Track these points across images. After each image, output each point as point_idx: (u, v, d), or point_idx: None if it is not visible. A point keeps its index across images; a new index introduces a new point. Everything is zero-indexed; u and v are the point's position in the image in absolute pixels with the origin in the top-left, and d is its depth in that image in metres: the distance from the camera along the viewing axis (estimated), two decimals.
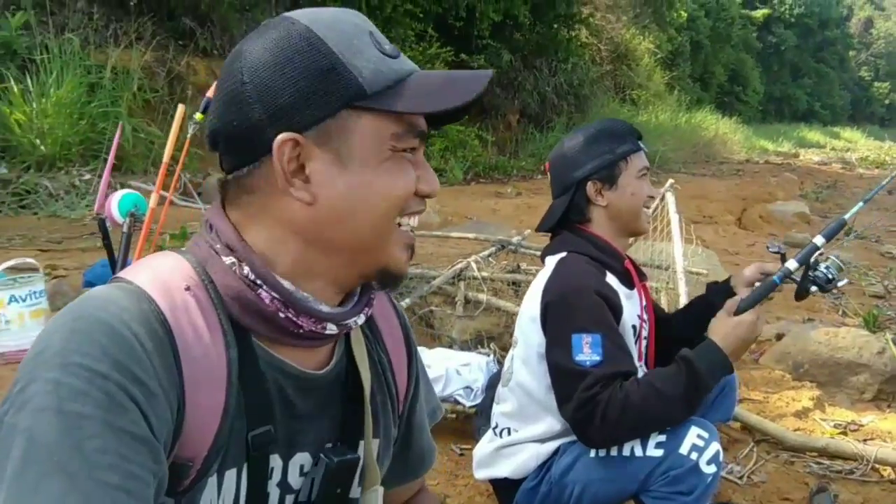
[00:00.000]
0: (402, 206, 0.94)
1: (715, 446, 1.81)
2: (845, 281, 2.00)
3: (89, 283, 3.48)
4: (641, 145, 2.10)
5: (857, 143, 35.39)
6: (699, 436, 1.81)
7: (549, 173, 2.15)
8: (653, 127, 16.37)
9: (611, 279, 1.98)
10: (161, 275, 0.89)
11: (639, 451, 1.85)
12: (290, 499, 1.01)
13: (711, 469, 1.80)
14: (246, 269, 0.90)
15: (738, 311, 1.88)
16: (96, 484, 0.71)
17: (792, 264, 1.94)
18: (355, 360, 1.05)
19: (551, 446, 2.02)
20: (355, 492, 1.06)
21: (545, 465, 2.02)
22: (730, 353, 1.82)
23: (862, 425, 3.28)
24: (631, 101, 19.03)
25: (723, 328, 1.86)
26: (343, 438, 1.04)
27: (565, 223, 2.10)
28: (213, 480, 0.89)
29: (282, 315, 0.90)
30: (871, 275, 6.28)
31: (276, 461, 0.97)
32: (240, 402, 0.90)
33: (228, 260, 0.91)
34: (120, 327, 0.79)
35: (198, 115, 2.55)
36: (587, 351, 1.81)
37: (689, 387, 1.77)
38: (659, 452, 1.82)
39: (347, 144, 0.89)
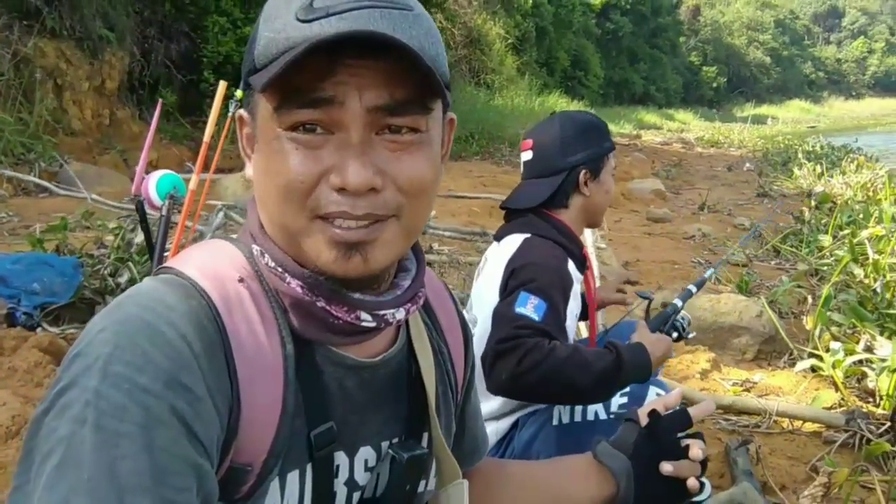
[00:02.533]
0: (302, 200, 0.80)
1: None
2: (693, 334, 2.27)
3: None
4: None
5: (691, 124, 37.63)
6: (657, 394, 1.92)
7: (530, 151, 2.14)
8: (509, 110, 16.79)
9: (571, 266, 2.04)
10: (213, 265, 0.85)
11: (602, 415, 1.94)
12: (356, 496, 0.96)
13: None
14: (267, 258, 0.86)
15: None
16: None
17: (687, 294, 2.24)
18: (415, 349, 1.01)
19: (508, 421, 2.06)
20: (424, 487, 1.03)
21: (505, 440, 2.06)
22: (652, 358, 1.87)
23: (755, 383, 3.56)
24: (486, 85, 19.42)
25: (649, 338, 1.92)
26: (407, 432, 1.00)
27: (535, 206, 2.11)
28: (274, 484, 0.85)
29: (319, 304, 0.84)
30: (729, 244, 6.74)
31: (341, 458, 0.92)
32: (298, 400, 0.86)
33: (256, 249, 0.88)
34: (166, 330, 0.75)
35: (238, 93, 2.43)
36: (529, 308, 1.82)
37: (611, 370, 1.79)
38: (622, 413, 1.92)
39: (255, 121, 0.84)
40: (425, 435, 1.02)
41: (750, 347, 4.17)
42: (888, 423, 2.84)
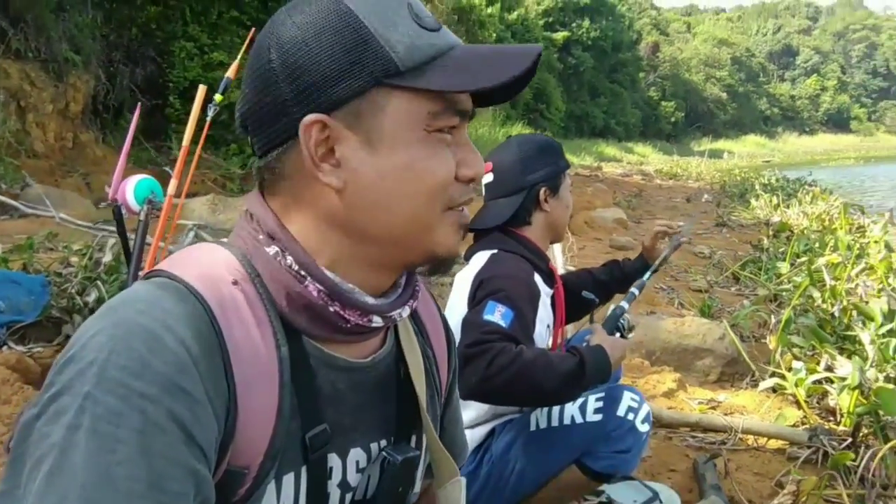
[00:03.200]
0: (444, 195, 0.87)
1: (646, 407, 2.01)
2: (633, 335, 2.35)
3: None
4: None
5: (649, 157, 38.31)
6: (632, 399, 2.00)
7: (490, 174, 2.21)
8: (475, 140, 16.94)
9: (538, 278, 2.12)
10: (206, 268, 0.84)
11: (579, 419, 1.99)
12: (349, 497, 0.96)
13: (645, 427, 1.98)
14: (290, 259, 0.85)
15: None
16: None
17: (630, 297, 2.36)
18: (404, 351, 1.01)
19: (483, 430, 2.11)
20: (412, 489, 1.03)
21: (481, 449, 2.10)
22: (611, 360, 1.94)
23: (720, 402, 3.63)
24: None
25: (607, 341, 1.99)
26: (397, 434, 1.00)
27: (500, 224, 2.19)
28: (271, 487, 0.85)
29: (331, 309, 0.85)
30: (691, 272, 6.87)
31: (334, 460, 0.92)
32: (293, 403, 0.85)
33: (272, 250, 0.86)
34: (163, 334, 0.74)
35: (217, 97, 2.44)
36: (497, 316, 1.88)
37: (574, 373, 1.85)
38: (598, 417, 1.97)
39: (378, 126, 0.83)
40: (413, 437, 1.03)
41: (713, 369, 4.25)
42: (849, 440, 2.92)
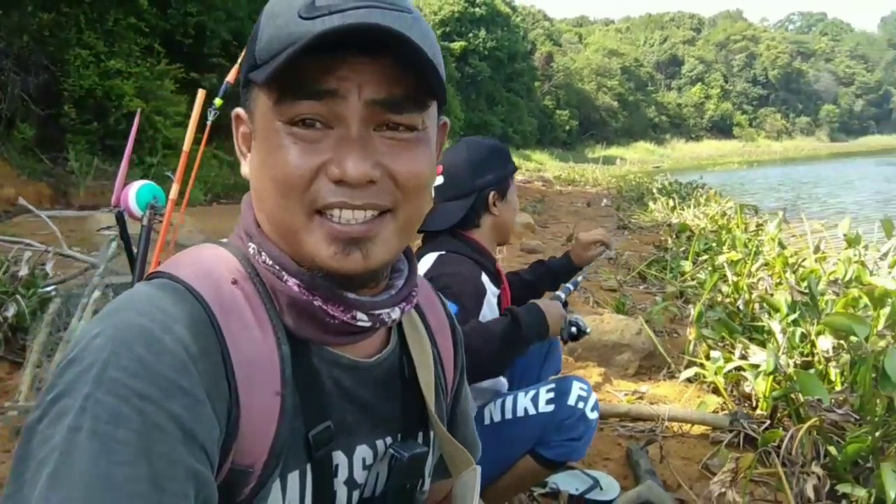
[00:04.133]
0: (298, 194, 0.81)
1: (594, 396, 2.10)
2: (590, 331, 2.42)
3: None
4: None
5: (547, 165, 39.15)
6: (581, 388, 2.09)
7: (441, 176, 2.25)
8: None
9: (485, 278, 2.18)
10: (206, 268, 0.85)
11: (532, 410, 2.07)
12: (356, 495, 0.96)
13: (595, 415, 2.08)
14: (264, 256, 0.87)
15: None
16: None
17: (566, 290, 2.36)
18: (410, 349, 1.02)
19: None
20: (421, 485, 1.03)
21: None
22: (548, 315, 2.05)
23: (644, 393, 3.79)
24: None
25: (542, 301, 2.11)
26: (404, 431, 1.00)
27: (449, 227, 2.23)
28: (276, 485, 0.85)
29: (315, 304, 0.85)
30: (601, 272, 7.10)
31: (339, 458, 0.92)
32: (296, 401, 0.85)
33: (251, 248, 0.88)
34: (162, 335, 0.74)
35: (217, 101, 2.44)
36: None
37: (510, 328, 1.94)
38: (550, 407, 2.06)
39: (252, 118, 0.85)
40: (420, 434, 1.03)
41: (632, 363, 4.42)
42: (768, 422, 3.12)
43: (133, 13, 11.36)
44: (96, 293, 3.06)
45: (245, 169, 0.90)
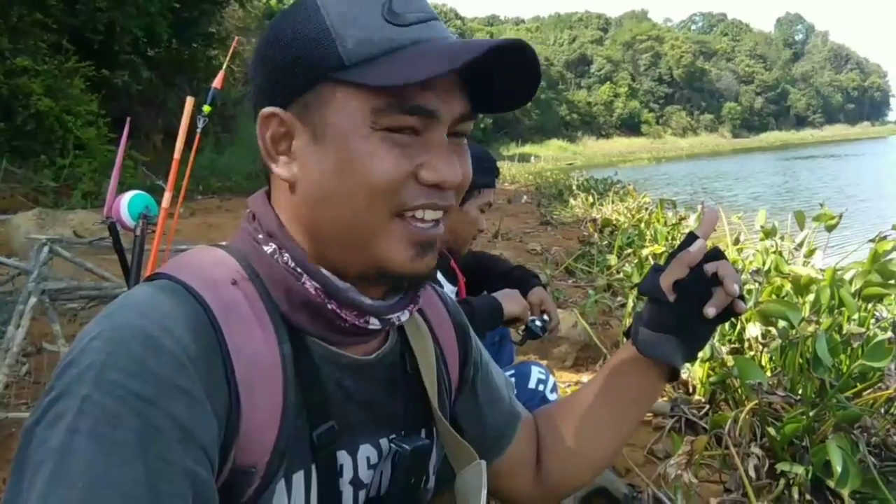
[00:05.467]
0: (388, 197, 0.82)
1: (552, 378, 2.17)
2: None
3: None
4: (496, 183, 2.38)
5: None
6: (540, 372, 2.15)
7: None
8: None
9: (440, 276, 2.23)
10: (205, 269, 0.85)
11: None
12: (362, 495, 0.95)
13: (554, 397, 2.14)
14: (286, 257, 0.86)
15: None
16: None
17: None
18: (411, 345, 1.02)
19: None
20: (426, 482, 1.02)
21: None
22: (503, 305, 2.16)
23: (585, 383, 3.88)
24: None
25: (500, 293, 2.23)
26: (406, 428, 1.00)
27: None
28: (280, 486, 0.84)
29: (329, 307, 0.86)
30: (531, 267, 7.24)
31: (343, 457, 0.92)
32: (299, 400, 0.85)
33: (269, 248, 0.87)
34: (160, 335, 0.74)
35: (205, 108, 2.37)
36: None
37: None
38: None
39: (322, 120, 0.82)
40: (423, 430, 1.03)
41: (569, 354, 4.51)
42: (707, 406, 3.25)
43: (39, 9, 10.88)
44: (32, 300, 2.95)
45: (283, 171, 0.86)
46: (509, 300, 2.21)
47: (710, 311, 1.06)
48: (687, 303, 1.08)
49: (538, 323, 2.33)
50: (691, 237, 1.11)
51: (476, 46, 0.77)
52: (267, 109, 0.85)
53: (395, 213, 0.83)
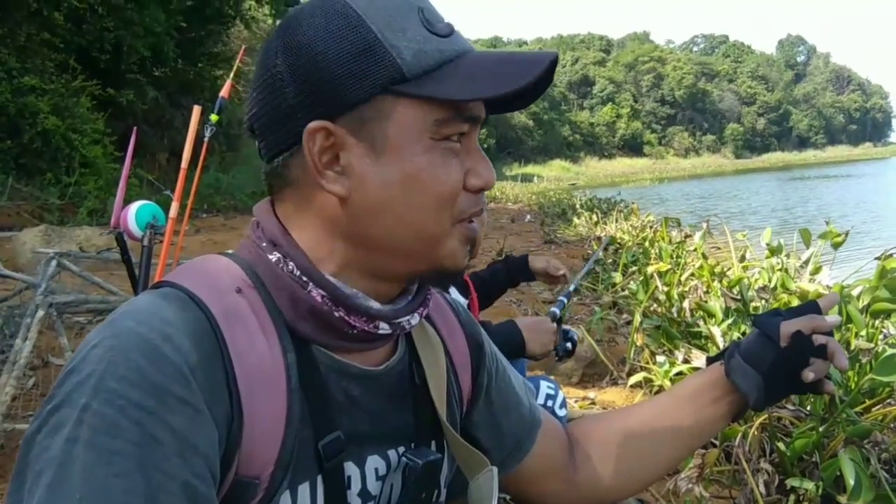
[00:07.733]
0: (452, 206, 0.85)
1: (562, 394, 2.15)
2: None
3: None
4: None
5: None
6: (549, 387, 2.13)
7: None
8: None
9: (452, 289, 2.22)
10: (210, 277, 0.84)
11: None
12: None
13: (563, 412, 2.13)
14: (292, 265, 0.85)
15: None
16: None
17: (560, 304, 2.43)
18: (420, 356, 1.01)
19: None
20: (437, 496, 1.01)
21: None
22: (524, 330, 2.12)
23: (593, 399, 3.88)
24: None
25: (524, 320, 2.18)
26: (416, 440, 0.98)
27: None
28: (285, 497, 0.83)
29: (336, 314, 0.85)
30: (533, 284, 7.23)
31: (351, 469, 0.90)
32: (303, 410, 0.84)
33: (274, 257, 0.86)
34: (161, 344, 0.73)
35: (213, 117, 2.39)
36: None
37: None
38: None
39: (383, 133, 0.81)
40: (433, 442, 1.01)
41: (575, 371, 4.51)
42: None
43: (47, 28, 10.99)
44: (40, 313, 2.95)
45: (335, 187, 0.83)
46: (535, 341, 2.11)
47: (810, 375, 1.08)
48: (789, 358, 1.10)
49: (568, 346, 2.30)
50: (813, 305, 1.14)
51: (534, 62, 0.81)
52: (315, 123, 0.81)
53: (458, 219, 0.87)
